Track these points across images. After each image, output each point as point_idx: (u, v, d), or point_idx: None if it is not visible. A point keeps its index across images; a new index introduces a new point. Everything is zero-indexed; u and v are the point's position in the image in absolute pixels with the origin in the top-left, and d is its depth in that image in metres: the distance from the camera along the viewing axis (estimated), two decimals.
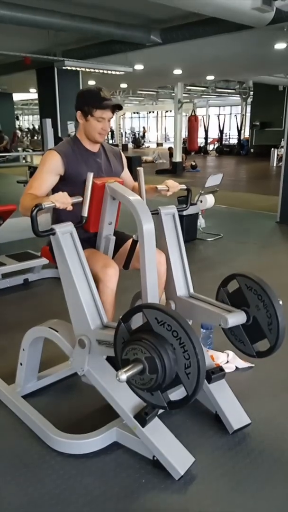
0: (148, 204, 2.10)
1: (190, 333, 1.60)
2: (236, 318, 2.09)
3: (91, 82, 12.34)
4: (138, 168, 2.36)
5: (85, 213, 2.13)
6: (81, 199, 2.11)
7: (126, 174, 2.59)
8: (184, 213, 5.23)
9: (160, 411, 2.06)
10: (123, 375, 1.59)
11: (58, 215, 2.35)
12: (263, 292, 2.08)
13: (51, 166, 2.27)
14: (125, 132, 27.38)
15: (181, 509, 1.78)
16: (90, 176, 2.11)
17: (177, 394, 1.90)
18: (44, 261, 4.08)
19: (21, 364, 2.43)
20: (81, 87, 10.12)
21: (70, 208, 2.03)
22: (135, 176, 2.49)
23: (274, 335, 2.08)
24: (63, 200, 2.01)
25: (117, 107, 2.33)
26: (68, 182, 2.26)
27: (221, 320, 2.07)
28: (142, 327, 1.72)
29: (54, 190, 2.27)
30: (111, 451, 2.08)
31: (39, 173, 2.27)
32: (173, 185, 2.48)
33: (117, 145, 21.29)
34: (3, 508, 1.79)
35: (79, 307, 2.05)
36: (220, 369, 2.24)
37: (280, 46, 7.56)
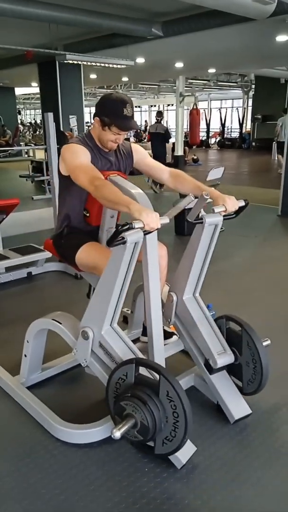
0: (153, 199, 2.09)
1: (189, 424, 1.76)
2: (225, 359, 2.18)
3: (93, 76, 12.31)
4: (204, 196, 2.09)
5: (159, 226, 1.89)
6: (167, 220, 1.92)
7: (146, 163, 2.49)
8: (187, 206, 5.24)
9: None
10: (117, 433, 1.75)
11: (67, 211, 2.37)
12: (259, 361, 2.17)
13: (85, 152, 2.19)
14: None
15: (184, 498, 1.81)
16: (187, 199, 2.07)
17: None
18: (47, 254, 4.10)
19: (25, 355, 2.45)
20: (82, 81, 10.10)
21: (154, 230, 1.85)
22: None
23: (249, 389, 2.25)
24: (153, 225, 1.81)
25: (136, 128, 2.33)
26: None
27: (210, 360, 2.17)
28: (149, 384, 1.84)
29: (63, 185, 2.26)
30: (114, 441, 2.07)
31: (80, 159, 2.15)
32: (233, 205, 2.15)
33: (128, 139, 21.23)
34: (6, 497, 1.82)
35: (104, 307, 2.02)
36: None
37: (281, 38, 7.52)
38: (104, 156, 2.34)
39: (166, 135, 9.69)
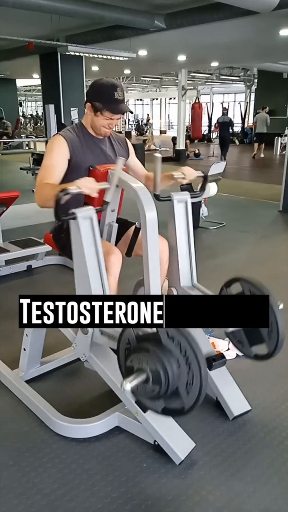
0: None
1: (199, 356, 1.61)
2: None
3: (95, 68, 12.25)
4: (156, 155, 2.25)
5: (108, 198, 2.09)
6: (107, 185, 2.06)
7: (135, 162, 2.56)
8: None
9: None
10: (128, 385, 1.60)
11: (67, 204, 2.35)
12: (275, 321, 2.07)
13: (60, 150, 2.22)
14: (129, 120, 27.11)
15: (182, 493, 1.80)
16: (120, 162, 2.08)
17: None
18: (47, 248, 4.09)
19: (24, 349, 2.45)
20: (84, 73, 10.05)
21: (95, 195, 1.96)
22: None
23: (273, 342, 2.12)
24: (90, 186, 1.93)
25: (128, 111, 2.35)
26: (72, 169, 2.24)
27: None
28: (150, 336, 1.73)
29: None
30: (113, 435, 2.11)
31: (49, 160, 2.21)
32: (190, 173, 2.39)
33: (120, 132, 21.15)
34: (5, 492, 1.82)
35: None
36: (221, 356, 2.25)
37: (285, 32, 7.47)
38: (97, 145, 2.35)
39: (231, 123, 13.16)
